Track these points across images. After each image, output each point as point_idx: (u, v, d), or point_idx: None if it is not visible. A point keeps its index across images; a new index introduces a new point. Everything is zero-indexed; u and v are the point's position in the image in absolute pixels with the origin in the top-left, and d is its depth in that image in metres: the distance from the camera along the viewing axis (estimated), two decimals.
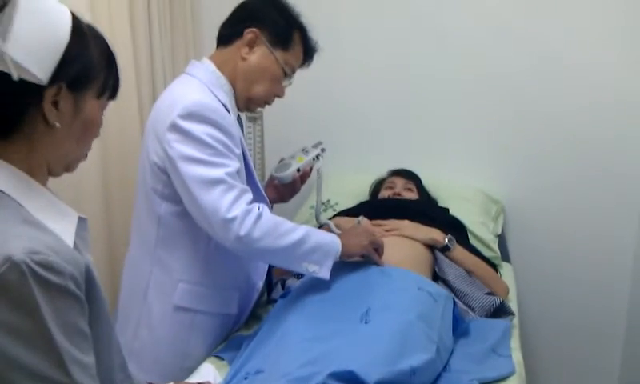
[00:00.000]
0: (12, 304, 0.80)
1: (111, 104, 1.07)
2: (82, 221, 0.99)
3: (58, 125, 0.92)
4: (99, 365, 0.92)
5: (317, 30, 1.68)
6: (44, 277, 0.81)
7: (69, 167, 1.02)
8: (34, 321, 0.81)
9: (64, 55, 0.90)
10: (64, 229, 0.93)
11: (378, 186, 2.31)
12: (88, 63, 0.94)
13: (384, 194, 2.23)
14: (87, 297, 0.90)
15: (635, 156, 2.32)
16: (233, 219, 1.40)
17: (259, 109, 1.79)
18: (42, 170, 0.96)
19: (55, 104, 0.91)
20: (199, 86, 1.52)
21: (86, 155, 1.04)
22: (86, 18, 1.65)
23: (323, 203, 2.34)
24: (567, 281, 2.48)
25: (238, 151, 1.51)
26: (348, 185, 2.43)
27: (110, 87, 1.02)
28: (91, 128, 1.00)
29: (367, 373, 1.24)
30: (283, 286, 1.86)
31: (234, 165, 1.46)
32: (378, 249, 1.67)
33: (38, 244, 0.83)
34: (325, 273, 1.52)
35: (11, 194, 0.90)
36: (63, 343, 0.83)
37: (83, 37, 0.94)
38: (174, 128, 1.43)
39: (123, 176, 1.93)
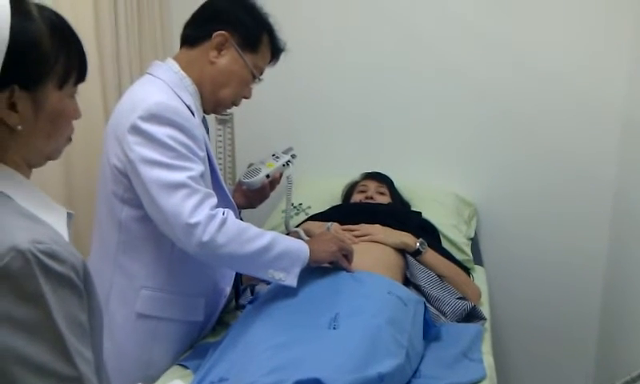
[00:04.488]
0: (16, 293, 0.79)
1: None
2: (69, 216, 0.97)
3: (19, 127, 0.88)
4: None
5: (287, 31, 1.64)
6: (49, 265, 0.81)
7: (50, 157, 0.99)
8: (38, 311, 0.80)
9: (8, 55, 0.84)
10: (56, 223, 0.91)
11: (350, 189, 2.30)
12: (39, 57, 0.88)
13: (356, 197, 2.21)
14: (85, 292, 0.88)
15: (607, 161, 2.34)
16: (196, 224, 1.35)
17: (229, 110, 1.75)
18: (22, 166, 0.93)
19: (13, 106, 0.87)
20: (162, 86, 1.48)
21: (70, 139, 1.00)
22: None
23: (295, 207, 2.31)
24: (540, 284, 2.49)
25: (202, 154, 1.47)
26: (320, 188, 2.41)
27: (74, 72, 0.94)
28: (60, 120, 0.94)
29: (333, 380, 1.22)
30: (252, 292, 1.83)
31: (198, 168, 1.42)
32: (348, 255, 1.63)
33: (41, 234, 0.82)
34: (291, 280, 1.48)
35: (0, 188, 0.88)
36: (68, 334, 0.81)
37: (28, 27, 0.86)
38: (135, 130, 1.38)
39: (87, 179, 1.87)
